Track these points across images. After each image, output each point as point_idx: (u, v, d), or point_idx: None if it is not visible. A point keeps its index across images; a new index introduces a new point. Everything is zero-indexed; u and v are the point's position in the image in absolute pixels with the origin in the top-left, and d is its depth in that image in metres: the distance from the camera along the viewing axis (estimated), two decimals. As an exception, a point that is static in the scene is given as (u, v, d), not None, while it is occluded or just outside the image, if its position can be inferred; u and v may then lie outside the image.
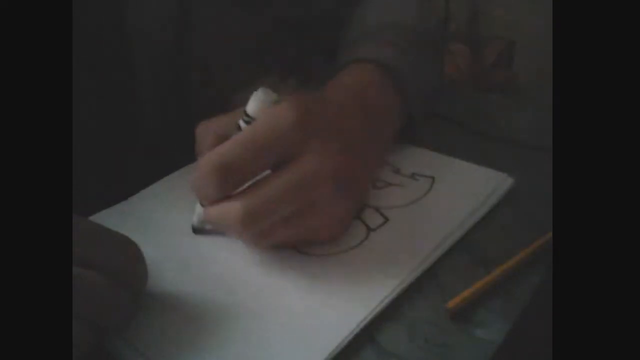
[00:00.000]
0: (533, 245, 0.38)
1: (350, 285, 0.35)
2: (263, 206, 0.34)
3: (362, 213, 0.41)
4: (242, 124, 0.36)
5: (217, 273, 0.36)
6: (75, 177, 0.28)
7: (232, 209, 0.34)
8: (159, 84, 0.49)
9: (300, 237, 0.36)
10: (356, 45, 0.49)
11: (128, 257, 0.31)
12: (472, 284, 0.35)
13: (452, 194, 0.43)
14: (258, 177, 0.35)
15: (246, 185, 0.35)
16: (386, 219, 0.40)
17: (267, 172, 0.35)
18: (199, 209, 0.38)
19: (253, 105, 0.36)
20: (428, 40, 0.52)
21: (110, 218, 0.40)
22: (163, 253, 0.37)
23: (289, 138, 0.34)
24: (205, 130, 0.39)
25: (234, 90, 0.61)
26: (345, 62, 0.46)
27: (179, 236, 0.39)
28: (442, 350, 0.32)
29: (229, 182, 0.34)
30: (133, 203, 0.42)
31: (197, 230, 0.39)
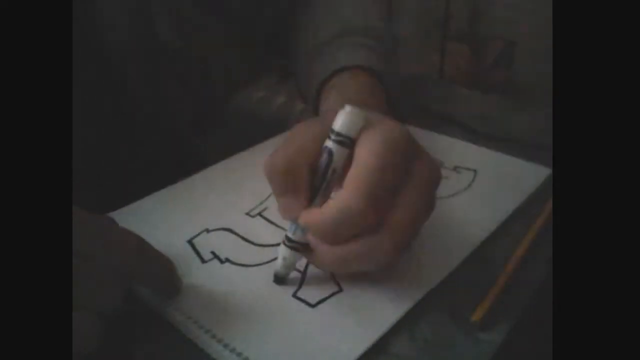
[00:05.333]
0: (537, 224, 0.40)
1: (402, 268, 0.36)
2: (410, 232, 0.32)
3: None
4: (332, 144, 0.32)
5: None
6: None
7: (379, 245, 0.32)
8: (148, 80, 0.49)
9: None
10: (335, 51, 0.50)
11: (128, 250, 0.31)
12: (471, 281, 0.35)
13: (495, 187, 0.45)
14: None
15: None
16: None
17: None
18: (285, 254, 0.34)
19: (347, 123, 0.32)
20: (383, 39, 0.55)
21: None
22: None
23: (406, 153, 0.32)
24: (291, 165, 0.33)
25: (232, 89, 0.62)
26: (330, 70, 0.48)
27: (174, 249, 0.37)
28: (443, 350, 0.32)
29: (375, 213, 0.31)
30: (125, 214, 0.41)
31: (280, 280, 0.35)
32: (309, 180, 0.33)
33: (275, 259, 0.37)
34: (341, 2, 0.57)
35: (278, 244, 0.38)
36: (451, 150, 0.51)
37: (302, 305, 0.34)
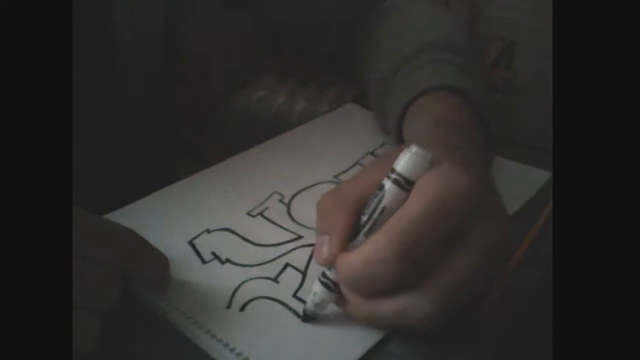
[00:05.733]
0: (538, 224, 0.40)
1: None
2: (453, 297, 0.29)
3: None
4: (387, 182, 0.30)
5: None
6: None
7: (417, 305, 0.28)
8: (148, 80, 0.49)
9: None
10: (416, 71, 0.45)
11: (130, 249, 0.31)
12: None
13: None
14: None
15: None
16: None
17: None
18: (318, 290, 0.32)
19: (409, 164, 0.29)
20: (473, 55, 0.49)
21: None
22: None
23: (464, 209, 0.29)
24: (334, 205, 0.32)
25: (232, 89, 0.62)
26: (415, 92, 0.42)
27: (174, 250, 0.37)
28: (443, 350, 0.32)
29: (413, 268, 0.28)
30: (125, 214, 0.41)
31: (309, 318, 0.33)
32: (350, 225, 0.31)
33: (276, 259, 0.37)
34: (418, 16, 0.52)
35: (279, 244, 0.38)
36: None
37: (303, 305, 0.34)
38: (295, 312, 0.33)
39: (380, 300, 0.29)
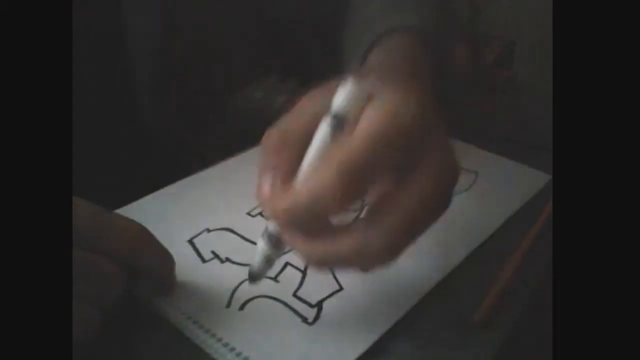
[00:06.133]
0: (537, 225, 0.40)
1: (397, 272, 0.34)
2: (405, 232, 0.28)
3: None
4: (326, 126, 0.28)
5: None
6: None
7: (369, 244, 0.27)
8: (147, 80, 0.49)
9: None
10: (382, 16, 0.46)
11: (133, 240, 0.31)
12: (471, 281, 0.35)
13: (495, 190, 0.45)
14: None
15: None
16: None
17: None
18: (262, 248, 0.31)
19: (344, 100, 0.28)
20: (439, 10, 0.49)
21: None
22: None
23: (410, 140, 0.27)
24: (279, 140, 0.30)
25: (232, 89, 0.62)
26: (379, 33, 0.42)
27: (174, 249, 0.36)
28: (443, 350, 0.32)
29: (356, 191, 0.27)
30: (125, 214, 0.41)
31: (256, 278, 0.32)
32: (295, 161, 0.29)
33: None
34: None
35: None
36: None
37: (302, 304, 0.34)
38: (296, 311, 0.33)
39: (326, 242, 0.28)
